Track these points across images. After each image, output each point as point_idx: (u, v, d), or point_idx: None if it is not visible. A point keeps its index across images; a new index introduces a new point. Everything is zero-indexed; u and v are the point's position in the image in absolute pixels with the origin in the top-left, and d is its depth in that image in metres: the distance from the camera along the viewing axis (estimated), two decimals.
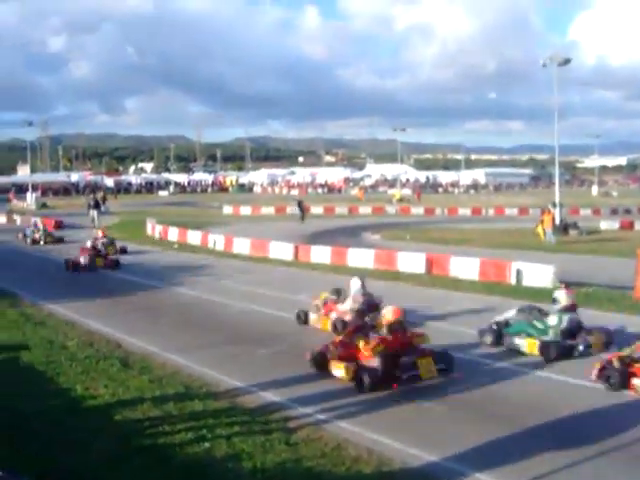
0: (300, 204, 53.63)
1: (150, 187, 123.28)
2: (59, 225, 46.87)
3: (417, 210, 66.79)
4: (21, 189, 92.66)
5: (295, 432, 9.63)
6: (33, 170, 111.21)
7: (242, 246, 31.92)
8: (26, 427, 9.62)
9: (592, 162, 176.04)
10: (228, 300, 19.83)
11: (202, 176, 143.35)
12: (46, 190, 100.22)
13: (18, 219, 52.88)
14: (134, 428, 9.72)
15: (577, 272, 23.62)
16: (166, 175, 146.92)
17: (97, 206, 49.45)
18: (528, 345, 13.50)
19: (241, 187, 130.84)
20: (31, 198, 79.14)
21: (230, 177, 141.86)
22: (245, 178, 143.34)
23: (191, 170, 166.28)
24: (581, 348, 13.27)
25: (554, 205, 42.44)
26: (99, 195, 57.92)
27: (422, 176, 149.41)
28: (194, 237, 36.08)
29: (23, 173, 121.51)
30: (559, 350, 13.15)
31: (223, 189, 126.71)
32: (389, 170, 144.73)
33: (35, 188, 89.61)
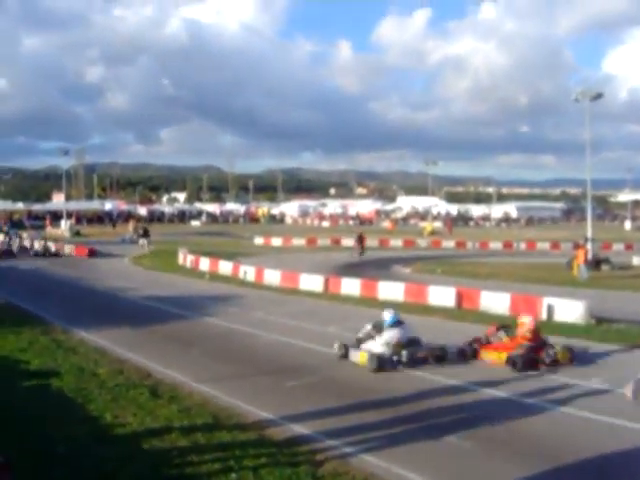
0: (360, 237, 53.17)
1: (182, 217, 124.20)
2: (92, 253, 47.39)
3: (448, 243, 66.54)
4: (56, 216, 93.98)
5: (322, 465, 9.61)
6: (68, 198, 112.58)
7: (273, 277, 32.03)
8: (54, 453, 9.68)
9: (625, 197, 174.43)
10: (258, 331, 19.88)
11: (234, 206, 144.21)
12: (80, 218, 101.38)
13: (52, 246, 53.50)
14: (162, 457, 9.75)
15: (609, 308, 23.38)
16: (198, 205, 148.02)
17: (146, 235, 50.72)
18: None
19: (272, 218, 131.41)
20: (65, 225, 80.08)
21: (262, 208, 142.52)
22: (276, 209, 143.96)
23: (223, 200, 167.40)
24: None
25: (586, 240, 42.07)
26: (142, 225, 59.40)
27: (453, 209, 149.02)
28: (225, 267, 36.25)
29: (58, 201, 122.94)
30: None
31: (254, 220, 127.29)
32: (420, 203, 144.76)
33: (69, 216, 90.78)
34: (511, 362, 15.33)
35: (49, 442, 10.08)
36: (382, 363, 15.24)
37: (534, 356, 15.46)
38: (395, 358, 15.50)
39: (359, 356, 15.72)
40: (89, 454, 9.69)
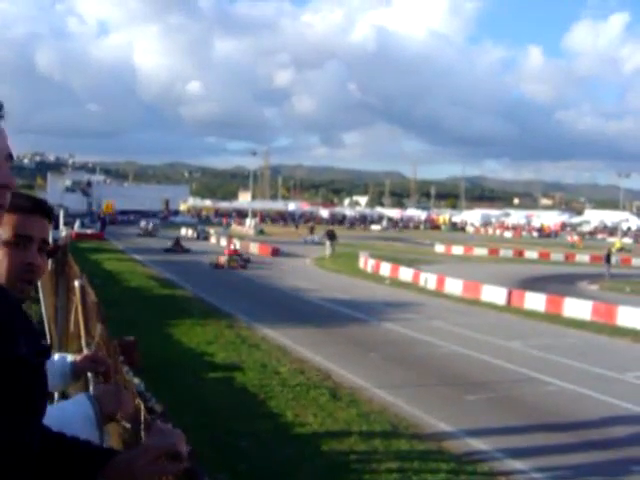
0: (609, 255, 46.92)
1: (363, 220, 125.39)
2: (276, 252, 48.59)
3: (638, 261, 63.15)
4: (241, 215, 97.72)
5: None
6: (253, 197, 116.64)
7: (454, 286, 31.57)
8: (238, 446, 9.93)
9: None
10: (438, 341, 19.60)
11: (415, 212, 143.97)
12: (264, 217, 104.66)
13: (237, 243, 55.40)
14: (341, 460, 9.79)
15: None
16: (379, 209, 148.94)
17: (332, 237, 50.94)
18: None
19: (453, 226, 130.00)
20: (250, 224, 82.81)
21: (443, 215, 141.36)
22: (458, 217, 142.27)
23: (404, 206, 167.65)
24: None
25: None
26: (329, 228, 60.32)
27: None
28: (406, 274, 36.12)
29: (243, 199, 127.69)
30: None
31: (435, 227, 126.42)
32: (609, 217, 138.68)
33: (254, 215, 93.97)
34: None
35: (233, 435, 10.35)
36: None
37: None
38: None
39: None
40: (270, 450, 9.87)
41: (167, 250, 47.43)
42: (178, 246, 48.25)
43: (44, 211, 2.03)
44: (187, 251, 47.82)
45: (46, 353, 1.80)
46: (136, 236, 63.95)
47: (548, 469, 9.99)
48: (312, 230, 72.70)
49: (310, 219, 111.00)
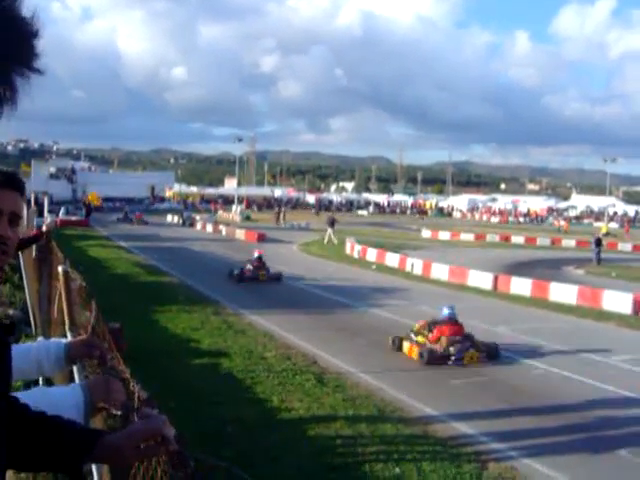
0: (598, 240, 45.93)
1: (350, 206, 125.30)
2: (261, 238, 48.53)
3: (624, 246, 63.35)
4: (227, 201, 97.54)
5: (487, 468, 9.38)
6: (239, 184, 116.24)
7: (440, 272, 31.60)
8: (223, 432, 9.94)
9: None
10: None
11: (402, 198, 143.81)
12: (250, 203, 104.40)
13: (223, 229, 55.28)
14: (327, 445, 9.82)
15: None
16: (366, 195, 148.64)
17: (332, 224, 50.53)
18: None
19: (440, 211, 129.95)
20: (236, 210, 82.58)
21: (429, 200, 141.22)
22: (445, 202, 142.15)
23: (391, 191, 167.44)
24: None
25: None
26: (330, 214, 60.02)
27: (631, 210, 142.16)
28: (392, 259, 36.14)
29: (230, 186, 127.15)
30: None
31: (422, 212, 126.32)
32: (596, 202, 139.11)
33: (240, 201, 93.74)
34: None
35: (219, 421, 10.36)
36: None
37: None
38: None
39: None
40: (257, 435, 9.89)
41: (118, 219, 65.46)
42: (125, 216, 66.23)
43: (14, 184, 2.03)
44: (130, 220, 63.81)
45: None
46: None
47: (533, 452, 10.06)
48: (278, 216, 72.27)
49: (296, 205, 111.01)
